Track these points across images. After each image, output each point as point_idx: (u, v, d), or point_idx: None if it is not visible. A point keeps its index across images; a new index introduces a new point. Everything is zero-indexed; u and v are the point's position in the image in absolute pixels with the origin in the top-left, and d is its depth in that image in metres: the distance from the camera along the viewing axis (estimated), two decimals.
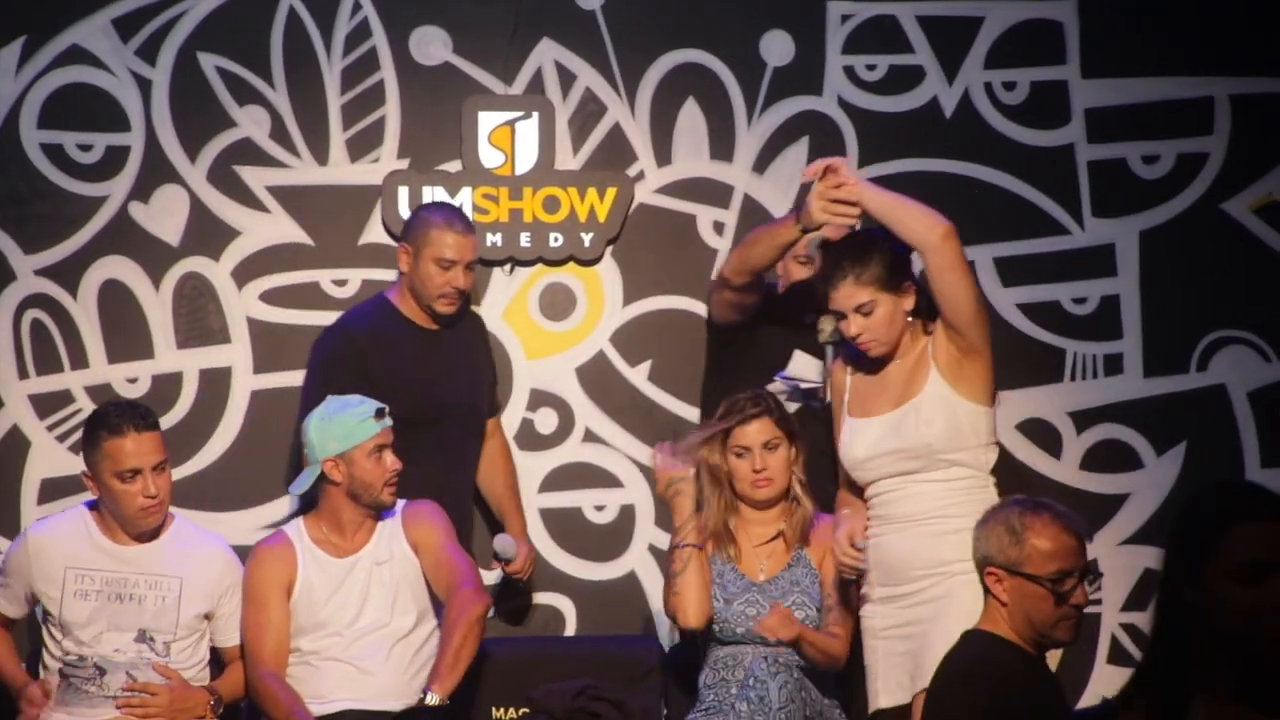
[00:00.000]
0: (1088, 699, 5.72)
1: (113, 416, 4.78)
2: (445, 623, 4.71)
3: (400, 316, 5.26)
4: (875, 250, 4.44)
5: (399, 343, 5.21)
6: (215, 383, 5.68)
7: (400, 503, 4.91)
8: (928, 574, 4.31)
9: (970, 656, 3.95)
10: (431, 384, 5.20)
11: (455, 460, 5.28)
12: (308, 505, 5.01)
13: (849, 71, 5.80)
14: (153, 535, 4.82)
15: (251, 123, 5.69)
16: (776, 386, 5.03)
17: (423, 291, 5.21)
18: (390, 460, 4.82)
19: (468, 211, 5.66)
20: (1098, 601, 5.75)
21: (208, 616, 4.84)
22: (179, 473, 5.57)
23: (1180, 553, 3.08)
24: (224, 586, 4.85)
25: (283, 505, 5.59)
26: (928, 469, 4.34)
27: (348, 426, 4.80)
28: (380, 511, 4.87)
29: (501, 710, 4.99)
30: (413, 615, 4.84)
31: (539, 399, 5.73)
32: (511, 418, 5.68)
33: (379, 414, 4.82)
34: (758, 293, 5.08)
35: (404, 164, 5.72)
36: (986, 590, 3.93)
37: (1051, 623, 3.91)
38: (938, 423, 4.33)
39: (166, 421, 5.59)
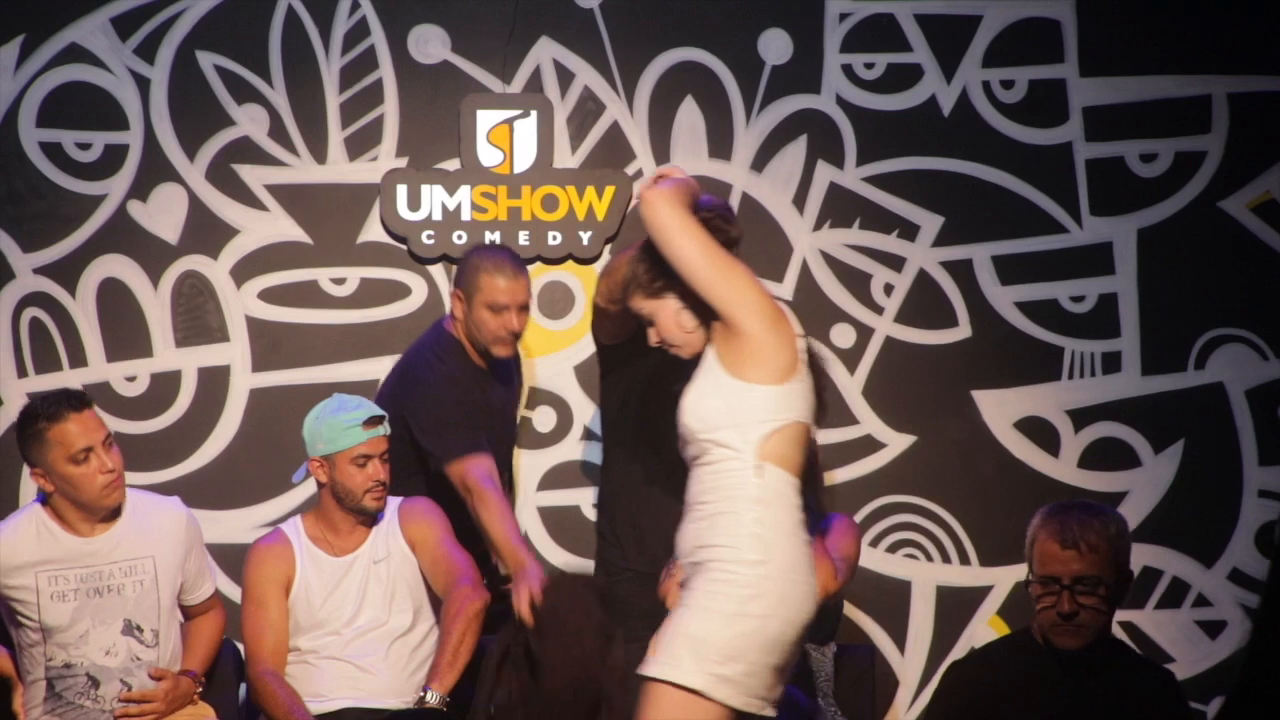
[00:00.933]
0: None
1: (47, 406, 4.62)
2: (444, 620, 4.70)
3: (469, 360, 5.18)
4: (636, 259, 4.10)
5: (475, 387, 5.15)
6: (214, 381, 5.68)
7: (394, 500, 4.90)
8: (686, 563, 4.03)
9: (989, 642, 4.03)
10: (493, 428, 5.20)
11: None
12: (307, 503, 5.01)
13: (847, 70, 5.81)
14: (114, 516, 4.69)
15: (250, 121, 5.70)
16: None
17: (478, 336, 5.12)
18: (374, 470, 4.78)
19: (466, 210, 5.66)
20: None
21: (181, 588, 4.80)
22: (177, 471, 5.59)
23: None
24: (186, 547, 4.76)
25: (281, 503, 5.60)
26: (699, 454, 4.01)
27: (335, 430, 4.77)
28: (367, 517, 4.85)
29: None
30: (410, 613, 4.83)
31: (537, 397, 5.74)
32: None
33: (369, 422, 4.79)
34: (633, 317, 4.97)
35: (402, 162, 5.72)
36: None
37: (1046, 625, 3.93)
38: (689, 400, 4.01)
39: (165, 420, 5.61)
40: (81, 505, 4.65)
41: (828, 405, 4.07)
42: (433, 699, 4.59)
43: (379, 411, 4.82)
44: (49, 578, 4.64)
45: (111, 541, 4.68)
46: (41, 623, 4.65)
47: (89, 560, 4.66)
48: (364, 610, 4.80)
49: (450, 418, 4.95)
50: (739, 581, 3.86)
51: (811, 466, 4.17)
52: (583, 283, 5.74)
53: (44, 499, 4.70)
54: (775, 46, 5.80)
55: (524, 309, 5.14)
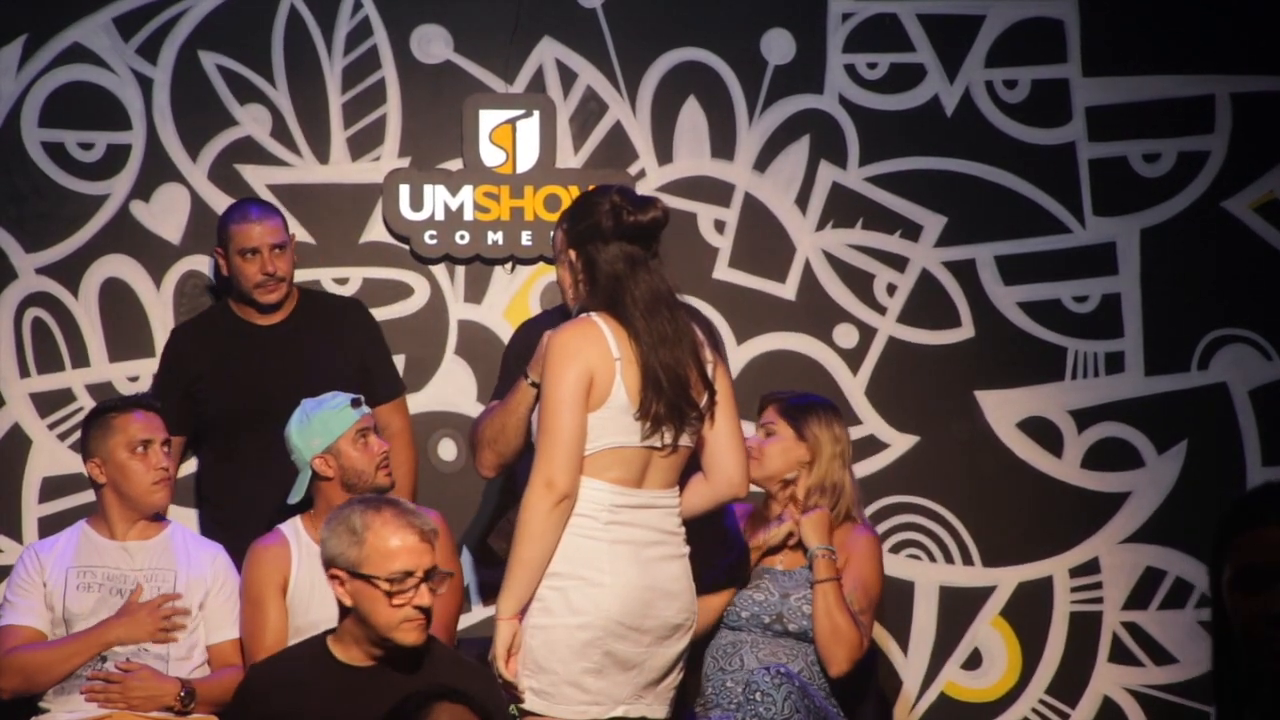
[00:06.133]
0: (1089, 698, 5.73)
1: (116, 401, 4.98)
2: None
3: (231, 314, 5.36)
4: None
5: (222, 340, 5.31)
6: None
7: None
8: None
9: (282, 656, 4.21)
10: (259, 379, 5.23)
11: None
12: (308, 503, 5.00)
13: (850, 70, 5.81)
14: (151, 533, 4.87)
15: (252, 121, 5.69)
16: None
17: (242, 288, 5.31)
18: (376, 443, 4.83)
19: (469, 210, 5.67)
20: (1099, 600, 5.77)
21: (201, 606, 4.85)
22: (179, 472, 5.56)
23: (1210, 565, 2.92)
24: (215, 581, 4.86)
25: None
26: None
27: (326, 421, 4.81)
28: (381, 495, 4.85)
29: None
30: None
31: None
32: None
33: (354, 403, 4.84)
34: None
35: (405, 162, 5.72)
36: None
37: (394, 625, 3.91)
38: None
39: None
40: (128, 500, 4.83)
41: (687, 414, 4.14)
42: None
43: (356, 395, 4.88)
44: (78, 572, 4.82)
45: (144, 552, 4.85)
46: (66, 609, 4.78)
47: (117, 562, 4.83)
48: None
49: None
50: (538, 594, 4.03)
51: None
52: None
53: (90, 517, 4.90)
54: (778, 46, 5.80)
55: (278, 248, 5.28)
